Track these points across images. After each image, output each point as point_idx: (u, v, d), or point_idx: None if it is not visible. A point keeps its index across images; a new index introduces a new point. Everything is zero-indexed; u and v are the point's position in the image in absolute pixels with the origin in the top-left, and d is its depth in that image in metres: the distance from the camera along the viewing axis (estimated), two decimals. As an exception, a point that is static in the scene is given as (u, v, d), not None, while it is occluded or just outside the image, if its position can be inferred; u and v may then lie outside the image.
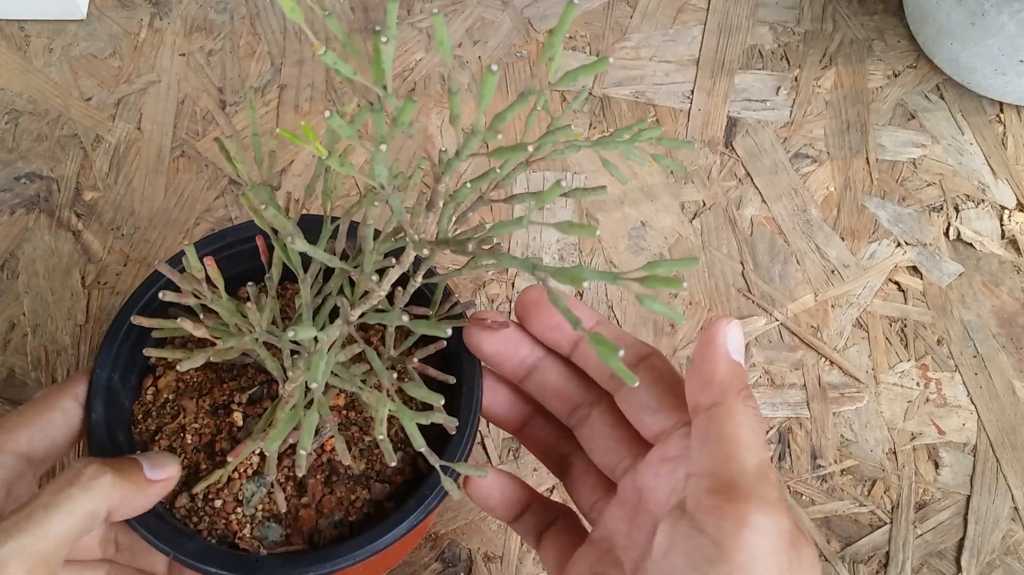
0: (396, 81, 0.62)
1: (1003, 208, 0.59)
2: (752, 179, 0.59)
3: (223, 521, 0.34)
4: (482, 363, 0.35)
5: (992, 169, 0.60)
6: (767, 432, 0.50)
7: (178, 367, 0.32)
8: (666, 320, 0.54)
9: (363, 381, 0.33)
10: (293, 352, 0.33)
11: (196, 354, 0.32)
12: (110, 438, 0.33)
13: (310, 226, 0.35)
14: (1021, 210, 0.59)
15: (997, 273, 0.57)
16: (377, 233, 0.33)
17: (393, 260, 0.30)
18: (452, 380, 0.35)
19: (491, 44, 0.64)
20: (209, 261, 0.32)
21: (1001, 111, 0.63)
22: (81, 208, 0.56)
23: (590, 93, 0.62)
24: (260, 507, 0.34)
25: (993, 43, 0.57)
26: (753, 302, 0.55)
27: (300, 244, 0.27)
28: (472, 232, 0.29)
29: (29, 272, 0.54)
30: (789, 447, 0.50)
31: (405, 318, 0.29)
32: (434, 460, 0.31)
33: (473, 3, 0.66)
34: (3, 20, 0.64)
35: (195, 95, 0.61)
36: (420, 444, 0.30)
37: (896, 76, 0.64)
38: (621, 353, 0.21)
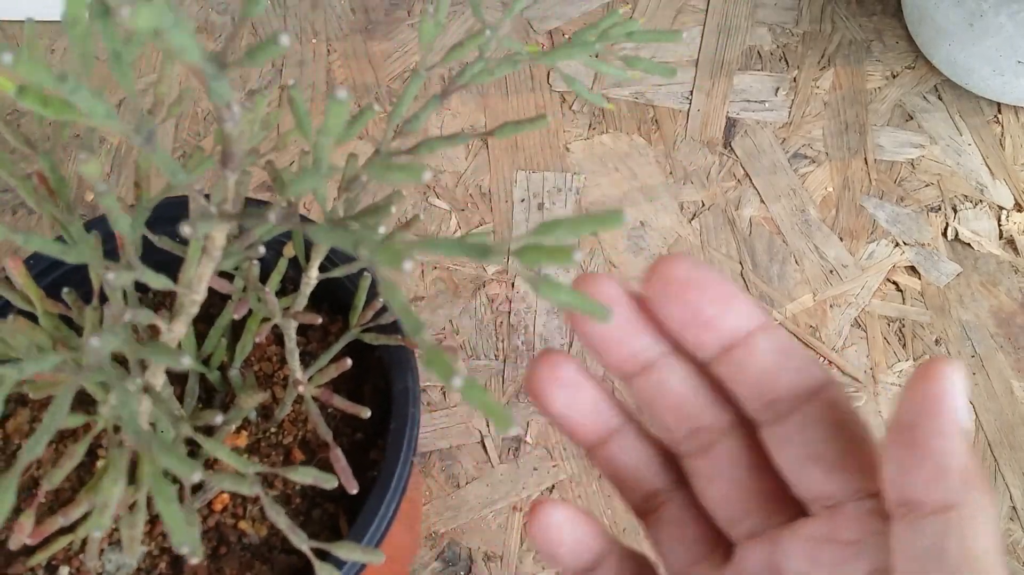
0: (396, 82, 0.62)
1: (1001, 208, 0.59)
2: (751, 179, 0.60)
3: None
4: (412, 380, 0.26)
5: (990, 169, 0.60)
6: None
7: None
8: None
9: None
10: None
11: None
12: None
13: (168, 211, 0.28)
14: (1019, 210, 0.59)
15: (995, 273, 0.57)
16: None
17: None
18: (365, 413, 0.27)
19: (491, 45, 0.65)
20: (15, 263, 0.25)
21: (999, 112, 0.63)
22: (83, 209, 0.56)
23: (590, 94, 0.62)
24: None
25: (991, 44, 0.58)
26: (752, 302, 0.55)
27: (33, 241, 0.19)
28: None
29: (31, 272, 0.54)
30: (788, 446, 0.50)
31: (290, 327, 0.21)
32: (300, 541, 0.22)
33: (473, 4, 0.66)
34: (5, 20, 0.64)
35: (196, 96, 0.61)
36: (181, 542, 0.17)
37: (894, 77, 0.64)
38: (457, 380, 0.14)
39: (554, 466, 0.49)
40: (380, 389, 0.30)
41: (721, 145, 0.61)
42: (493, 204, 0.57)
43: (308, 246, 0.29)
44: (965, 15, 0.58)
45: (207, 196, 0.20)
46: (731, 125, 0.62)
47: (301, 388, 0.26)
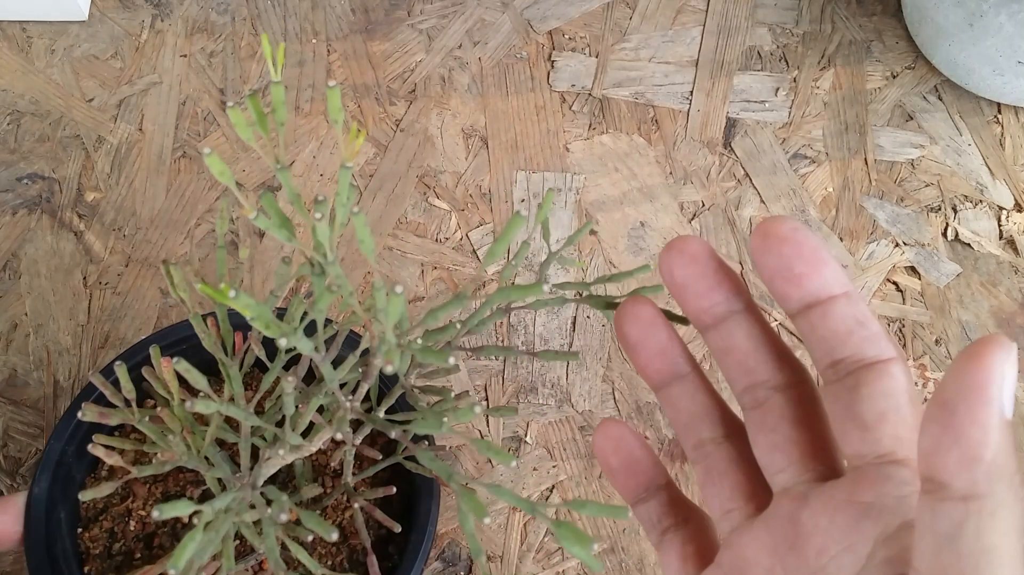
0: (396, 82, 0.62)
1: (1001, 209, 0.59)
2: (751, 179, 0.60)
3: None
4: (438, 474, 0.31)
5: (990, 170, 0.60)
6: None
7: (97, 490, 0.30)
8: (665, 320, 0.54)
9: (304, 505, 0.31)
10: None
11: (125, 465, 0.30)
12: (48, 514, 0.33)
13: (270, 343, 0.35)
14: (1019, 210, 0.59)
15: (995, 273, 0.57)
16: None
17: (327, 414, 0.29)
18: (397, 528, 0.34)
19: (491, 45, 0.65)
20: (166, 363, 0.29)
21: (999, 112, 0.63)
22: (83, 209, 0.56)
23: (590, 94, 0.62)
24: None
25: (991, 44, 0.58)
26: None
27: (203, 406, 0.25)
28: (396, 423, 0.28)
29: (31, 272, 0.54)
30: (787, 446, 0.50)
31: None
32: None
33: (473, 4, 0.66)
34: (5, 21, 0.64)
35: (196, 96, 0.61)
36: None
37: (894, 77, 0.64)
38: (595, 547, 0.19)
39: (554, 466, 0.49)
40: (404, 495, 0.37)
41: (721, 145, 0.61)
42: (493, 204, 0.57)
43: (381, 392, 0.38)
44: (965, 15, 0.58)
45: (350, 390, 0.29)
46: (731, 125, 0.62)
47: (358, 504, 0.34)
